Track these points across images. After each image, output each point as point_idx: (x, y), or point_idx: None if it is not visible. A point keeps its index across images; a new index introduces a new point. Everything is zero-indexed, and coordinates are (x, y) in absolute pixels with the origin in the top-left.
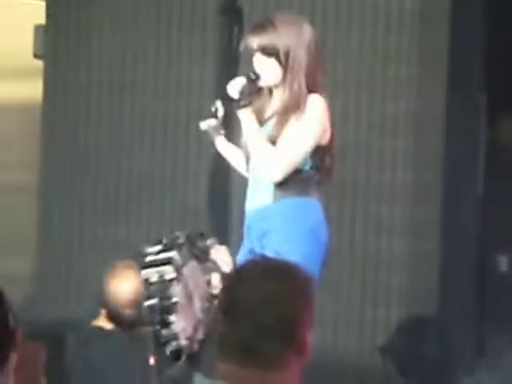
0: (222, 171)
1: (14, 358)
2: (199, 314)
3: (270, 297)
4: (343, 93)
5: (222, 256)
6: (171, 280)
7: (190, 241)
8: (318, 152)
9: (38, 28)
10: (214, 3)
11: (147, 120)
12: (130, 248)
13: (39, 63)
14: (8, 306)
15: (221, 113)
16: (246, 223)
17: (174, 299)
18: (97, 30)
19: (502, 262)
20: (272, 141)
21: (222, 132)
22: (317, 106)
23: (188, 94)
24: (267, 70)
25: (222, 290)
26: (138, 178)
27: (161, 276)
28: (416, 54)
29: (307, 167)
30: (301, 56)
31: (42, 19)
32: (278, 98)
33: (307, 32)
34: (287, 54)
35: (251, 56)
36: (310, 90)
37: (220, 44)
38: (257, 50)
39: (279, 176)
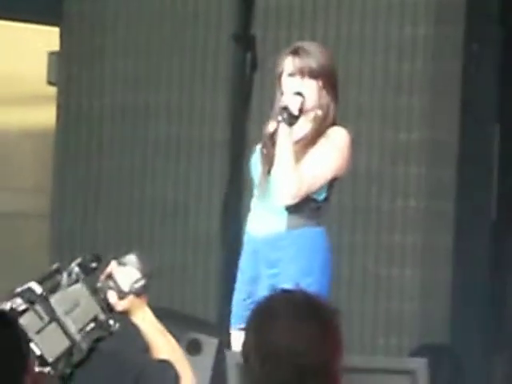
0: (234, 195)
1: None
2: (76, 337)
3: (306, 339)
4: (355, 120)
5: (122, 275)
6: (24, 310)
7: (82, 265)
8: (333, 183)
9: (51, 55)
10: (227, 30)
11: (160, 145)
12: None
13: (53, 90)
14: (21, 333)
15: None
16: (252, 248)
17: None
18: (110, 56)
19: None
20: None
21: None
22: (342, 139)
23: (201, 120)
24: (311, 92)
25: (253, 329)
26: (151, 203)
27: (11, 308)
28: (429, 82)
29: (322, 197)
30: (331, 85)
31: (55, 46)
32: (304, 124)
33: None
34: (325, 82)
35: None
36: (333, 123)
37: (233, 70)
38: (300, 73)
39: (291, 200)
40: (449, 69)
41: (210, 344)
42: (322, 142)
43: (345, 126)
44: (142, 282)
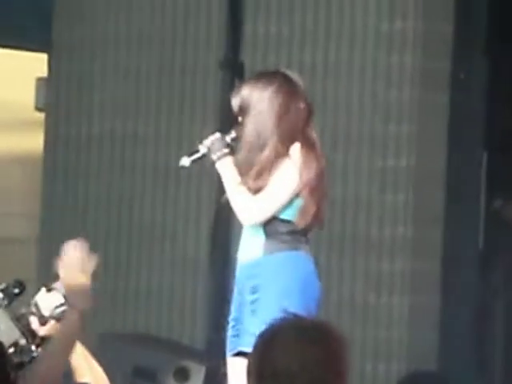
0: (222, 221)
1: None
2: None
3: (305, 361)
4: (344, 147)
5: (45, 301)
6: None
7: (5, 291)
8: None
9: (39, 80)
10: (215, 56)
11: (148, 171)
12: (131, 299)
13: (41, 116)
14: (5, 354)
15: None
16: (237, 276)
17: None
18: (98, 82)
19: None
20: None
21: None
22: (296, 154)
23: (189, 146)
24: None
25: (256, 351)
26: (139, 230)
27: None
28: (417, 110)
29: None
30: (266, 110)
31: (43, 72)
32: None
33: (276, 84)
34: (249, 111)
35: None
36: (293, 140)
37: (222, 97)
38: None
39: (252, 220)
40: (436, 97)
41: (197, 371)
42: (279, 165)
43: (333, 153)
44: (63, 308)
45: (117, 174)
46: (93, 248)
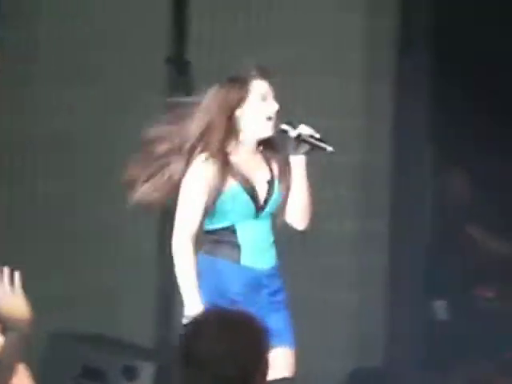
0: (171, 217)
1: None
2: None
3: (229, 349)
4: None
5: None
6: None
7: None
8: None
9: None
10: (161, 53)
11: (91, 172)
12: (82, 297)
13: None
14: None
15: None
16: (253, 280)
17: None
18: (42, 83)
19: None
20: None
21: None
22: None
23: (136, 143)
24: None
25: (181, 342)
26: (86, 228)
27: None
28: (362, 106)
29: None
30: None
31: None
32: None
33: None
34: None
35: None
36: None
37: (167, 94)
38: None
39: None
40: (381, 92)
41: (146, 369)
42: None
43: None
44: None
45: (58, 175)
46: (40, 248)
